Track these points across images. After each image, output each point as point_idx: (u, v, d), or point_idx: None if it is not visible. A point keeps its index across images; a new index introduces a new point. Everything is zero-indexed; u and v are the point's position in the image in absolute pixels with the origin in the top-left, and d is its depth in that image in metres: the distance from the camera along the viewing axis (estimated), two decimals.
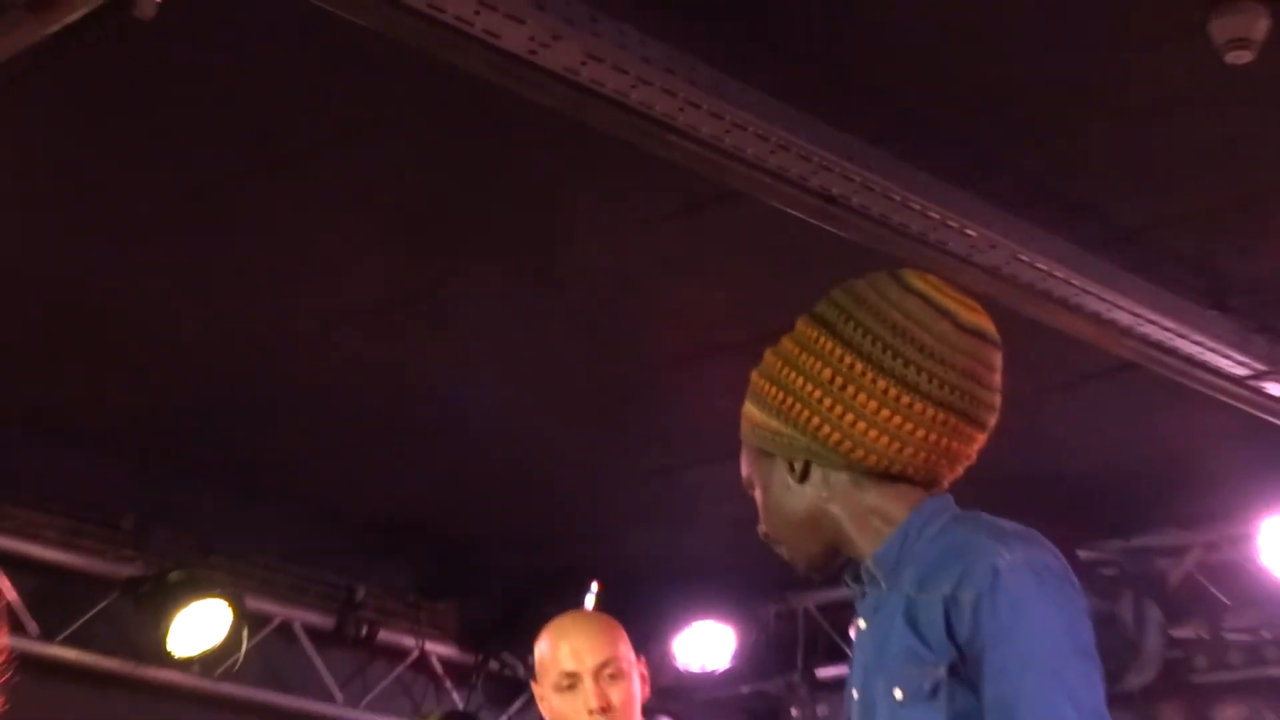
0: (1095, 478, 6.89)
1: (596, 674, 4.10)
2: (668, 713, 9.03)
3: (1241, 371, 5.59)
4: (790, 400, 2.78)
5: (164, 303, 5.73)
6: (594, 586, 5.75)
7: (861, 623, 2.83)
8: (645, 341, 5.99)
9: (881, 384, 2.72)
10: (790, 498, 2.82)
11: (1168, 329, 5.39)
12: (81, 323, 5.76)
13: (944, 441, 2.75)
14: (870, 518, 2.79)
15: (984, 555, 2.63)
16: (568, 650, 4.14)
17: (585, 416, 6.55)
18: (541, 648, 4.20)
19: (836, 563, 2.87)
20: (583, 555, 6.60)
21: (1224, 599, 7.46)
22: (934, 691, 2.63)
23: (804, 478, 2.80)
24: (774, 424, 2.81)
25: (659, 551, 7.46)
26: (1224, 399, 5.72)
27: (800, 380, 2.77)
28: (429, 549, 7.70)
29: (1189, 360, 5.52)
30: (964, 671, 2.61)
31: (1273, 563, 7.03)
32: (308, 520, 7.34)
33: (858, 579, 2.85)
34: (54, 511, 7.21)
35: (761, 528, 2.89)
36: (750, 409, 2.85)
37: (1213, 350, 5.50)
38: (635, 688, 4.18)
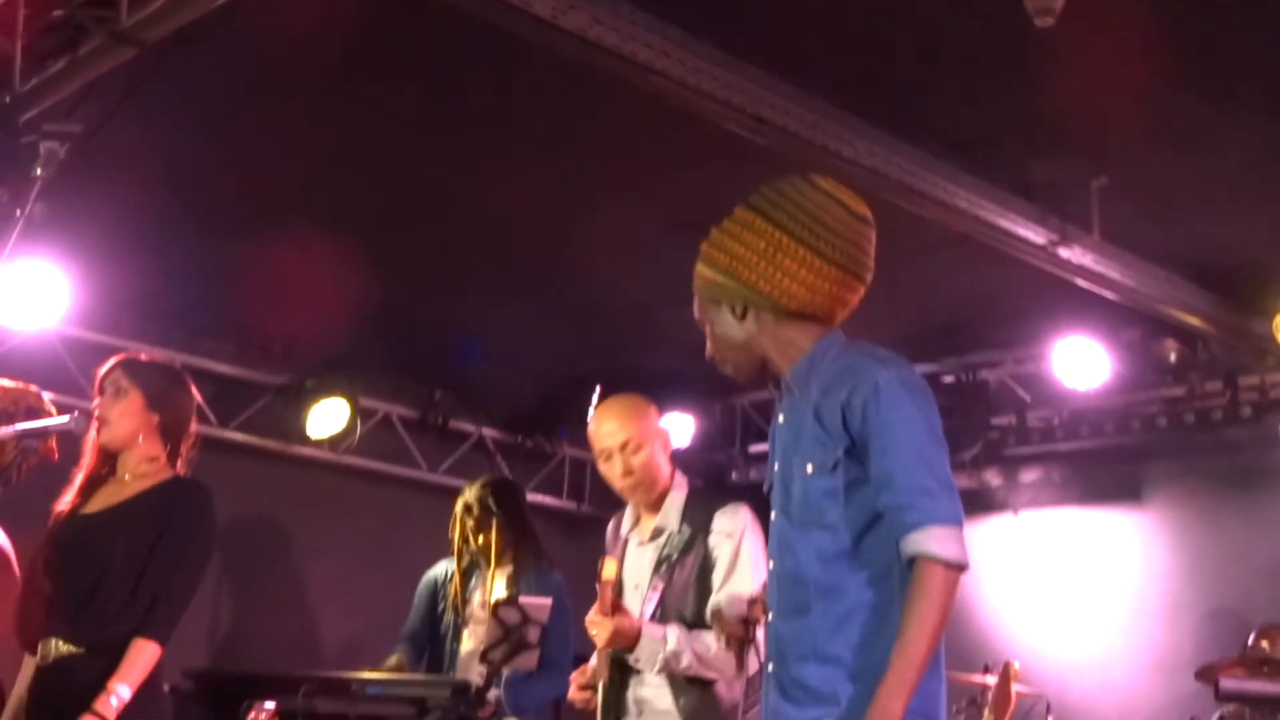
0: (939, 315, 6.86)
1: (622, 449, 4.09)
2: None
3: (1041, 241, 5.57)
4: (736, 264, 2.79)
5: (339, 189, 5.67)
6: (598, 389, 5.72)
7: (780, 418, 2.87)
8: (634, 219, 5.91)
9: (802, 252, 2.73)
10: (731, 331, 2.83)
11: (991, 210, 5.36)
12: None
13: (841, 293, 2.78)
14: (788, 346, 2.81)
15: (868, 372, 2.66)
16: (602, 432, 4.14)
17: (598, 270, 6.50)
18: (590, 428, 4.20)
19: (761, 377, 2.88)
20: (592, 368, 6.49)
21: (1026, 398, 7.47)
22: (834, 467, 2.66)
23: (742, 317, 2.82)
24: (721, 279, 2.82)
25: (644, 366, 7.42)
26: (1029, 260, 5.70)
27: (743, 250, 2.78)
28: (486, 364, 7.66)
29: (1005, 233, 5.50)
30: (855, 453, 2.64)
31: (1060, 372, 7.03)
32: (403, 344, 7.31)
33: (778, 387, 2.87)
34: (228, 339, 7.20)
35: (709, 352, 2.91)
36: (703, 269, 2.86)
37: (1022, 226, 5.49)
38: (654, 452, 4.14)
